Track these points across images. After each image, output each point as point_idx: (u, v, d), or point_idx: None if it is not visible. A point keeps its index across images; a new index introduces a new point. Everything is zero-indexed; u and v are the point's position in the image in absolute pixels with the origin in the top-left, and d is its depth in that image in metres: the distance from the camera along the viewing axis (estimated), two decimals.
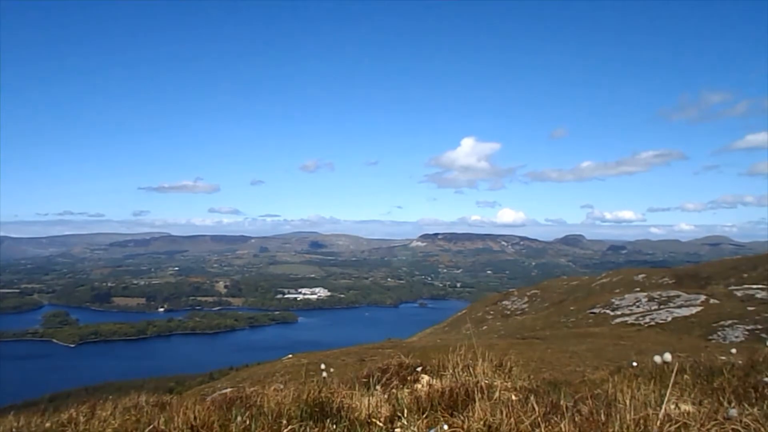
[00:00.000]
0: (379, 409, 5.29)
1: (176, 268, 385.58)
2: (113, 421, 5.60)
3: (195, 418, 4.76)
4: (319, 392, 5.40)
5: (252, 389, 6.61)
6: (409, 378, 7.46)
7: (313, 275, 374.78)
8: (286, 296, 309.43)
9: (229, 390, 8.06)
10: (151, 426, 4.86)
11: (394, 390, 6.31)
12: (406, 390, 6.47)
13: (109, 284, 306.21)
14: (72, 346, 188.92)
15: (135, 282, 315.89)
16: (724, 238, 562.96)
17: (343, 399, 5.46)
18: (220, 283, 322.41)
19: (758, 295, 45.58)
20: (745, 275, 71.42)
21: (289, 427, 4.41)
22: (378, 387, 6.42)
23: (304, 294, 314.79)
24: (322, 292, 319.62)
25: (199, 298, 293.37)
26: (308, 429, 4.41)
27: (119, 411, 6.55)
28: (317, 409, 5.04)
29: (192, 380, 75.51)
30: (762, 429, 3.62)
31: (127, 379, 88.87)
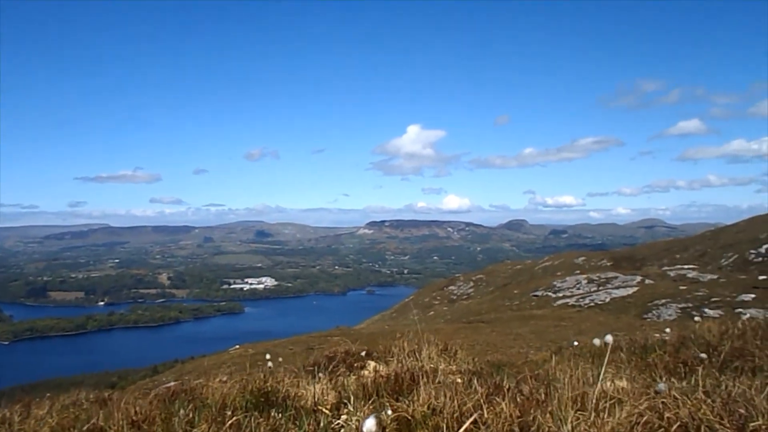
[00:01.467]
0: (326, 397, 5.30)
1: (116, 261, 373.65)
2: (50, 420, 5.41)
3: (136, 413, 4.65)
4: (265, 382, 5.36)
5: (196, 381, 6.51)
6: (356, 365, 7.49)
7: (259, 265, 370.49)
8: (231, 286, 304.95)
9: (173, 383, 7.90)
10: (90, 423, 4.72)
11: (340, 377, 6.33)
12: (352, 377, 6.49)
13: (45, 278, 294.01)
14: (6, 343, 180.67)
15: (73, 275, 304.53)
16: (658, 220, 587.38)
17: (289, 388, 5.44)
18: (163, 274, 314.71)
19: (689, 275, 47.75)
20: (678, 256, 74.72)
21: (234, 418, 4.36)
22: (325, 375, 6.42)
23: (251, 284, 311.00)
24: (268, 282, 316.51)
25: (141, 291, 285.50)
26: (253, 419, 4.37)
27: (57, 409, 6.32)
28: (263, 399, 5.00)
29: (135, 375, 73.61)
30: (687, 400, 3.81)
31: (67, 376, 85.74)
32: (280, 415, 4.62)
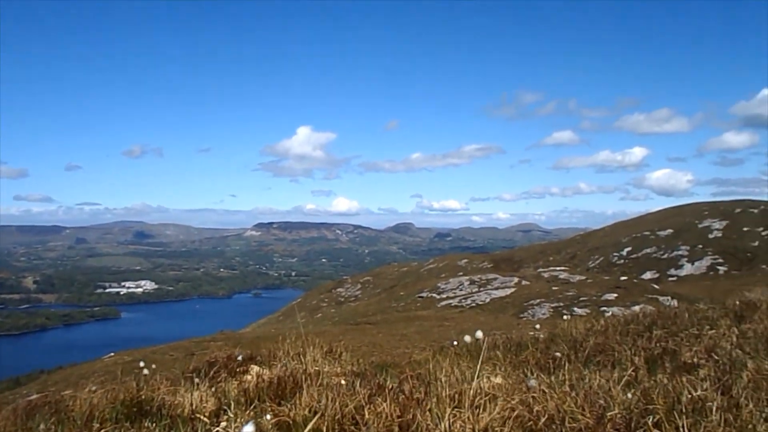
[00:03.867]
0: (205, 404, 5.11)
1: None
2: None
3: None
4: (139, 391, 5.08)
5: (63, 393, 6.04)
6: (238, 370, 7.29)
7: (138, 267, 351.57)
8: (107, 291, 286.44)
9: (35, 396, 7.30)
10: None
11: (222, 383, 6.13)
12: (234, 382, 6.32)
13: None
14: None
15: None
16: (534, 225, 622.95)
17: (165, 396, 5.18)
18: (29, 278, 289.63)
19: (561, 276, 51.11)
20: (551, 258, 79.80)
21: (102, 431, 4.09)
22: (205, 381, 6.20)
23: (129, 287, 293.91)
24: (148, 285, 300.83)
25: (2, 296, 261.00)
26: (123, 431, 4.12)
27: None
28: (135, 409, 4.73)
29: None
30: (554, 394, 4.07)
31: None
32: (153, 425, 4.40)
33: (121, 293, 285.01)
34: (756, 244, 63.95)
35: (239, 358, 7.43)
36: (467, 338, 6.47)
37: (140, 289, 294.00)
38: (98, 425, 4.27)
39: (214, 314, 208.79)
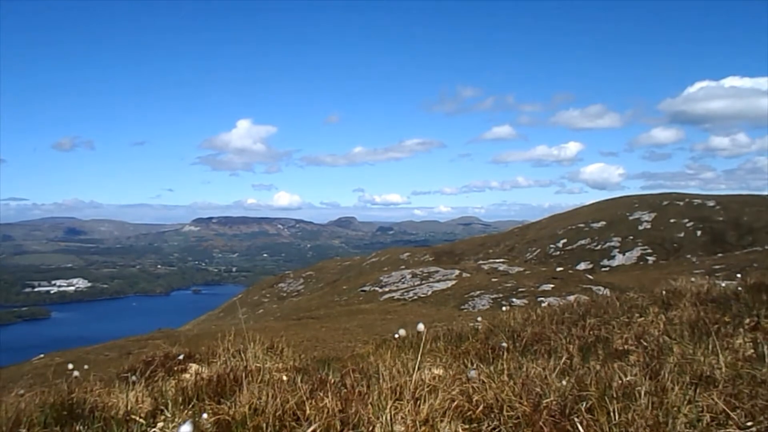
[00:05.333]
0: (141, 404, 4.97)
1: None
2: None
3: None
4: (70, 393, 4.88)
5: None
6: (176, 368, 7.12)
7: (69, 265, 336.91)
8: (36, 290, 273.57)
9: None
10: None
11: (158, 382, 5.97)
12: (172, 381, 6.16)
13: None
14: None
15: None
16: (474, 218, 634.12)
17: (98, 398, 5.00)
18: None
19: (500, 268, 52.23)
20: (491, 251, 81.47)
21: None
22: (141, 381, 6.01)
23: (60, 286, 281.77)
24: (81, 283, 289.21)
25: None
26: None
27: None
28: (66, 413, 4.54)
29: None
30: (493, 384, 4.16)
31: None
32: (85, 428, 4.24)
33: (52, 292, 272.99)
34: (682, 235, 67.26)
35: (180, 357, 7.26)
36: (402, 332, 6.54)
37: (72, 288, 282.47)
38: (25, 430, 4.08)
39: (152, 312, 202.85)
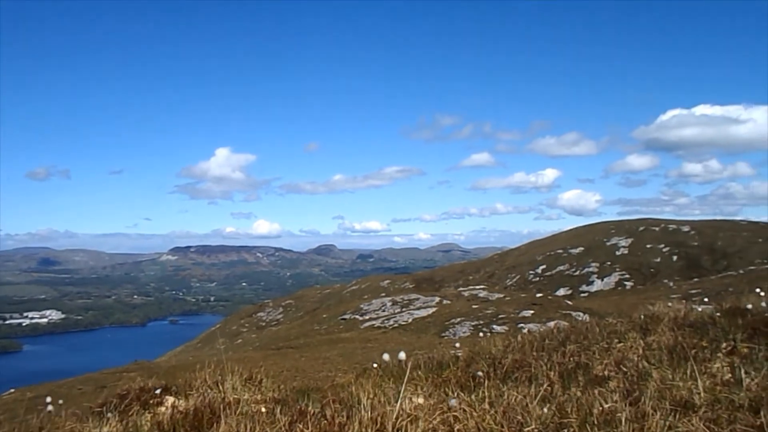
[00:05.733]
0: None
1: None
2: None
3: None
4: (41, 429, 4.75)
5: None
6: (152, 402, 6.96)
7: (43, 296, 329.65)
8: (7, 322, 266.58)
9: None
10: None
11: (133, 416, 5.84)
12: (148, 415, 6.03)
13: None
14: None
15: None
16: (454, 245, 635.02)
17: None
18: None
19: (480, 295, 52.28)
20: (471, 277, 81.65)
21: None
22: (115, 415, 5.87)
23: (32, 318, 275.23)
24: (54, 315, 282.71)
25: None
26: None
27: None
28: None
29: None
30: (474, 412, 4.14)
31: None
32: None
33: (24, 324, 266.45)
34: (658, 260, 68.15)
35: (156, 391, 7.10)
36: (386, 357, 6.49)
37: (45, 320, 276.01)
38: None
39: (128, 344, 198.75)
